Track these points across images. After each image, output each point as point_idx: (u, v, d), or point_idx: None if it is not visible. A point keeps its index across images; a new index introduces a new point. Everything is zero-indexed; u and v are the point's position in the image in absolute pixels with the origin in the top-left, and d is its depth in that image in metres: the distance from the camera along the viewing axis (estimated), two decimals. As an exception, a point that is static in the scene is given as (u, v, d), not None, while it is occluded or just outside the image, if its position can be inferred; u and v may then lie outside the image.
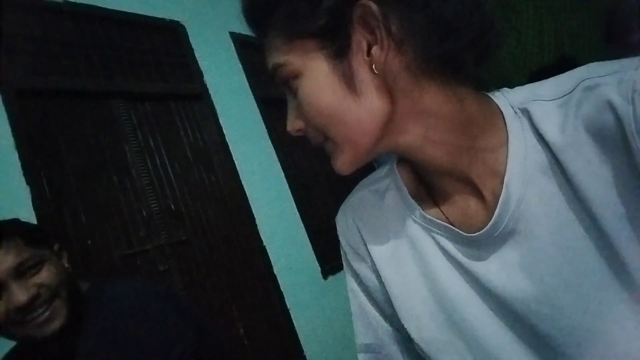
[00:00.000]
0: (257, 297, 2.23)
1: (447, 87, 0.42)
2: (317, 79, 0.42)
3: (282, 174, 2.67)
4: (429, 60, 0.41)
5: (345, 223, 0.58)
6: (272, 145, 2.67)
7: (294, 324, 2.28)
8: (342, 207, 0.59)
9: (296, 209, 2.64)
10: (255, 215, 2.36)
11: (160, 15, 2.30)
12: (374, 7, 0.39)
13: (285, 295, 2.31)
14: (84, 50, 1.94)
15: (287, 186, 2.66)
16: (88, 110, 1.89)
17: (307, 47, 0.42)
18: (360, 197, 0.57)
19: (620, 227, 0.37)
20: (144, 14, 2.23)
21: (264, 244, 2.34)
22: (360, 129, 0.42)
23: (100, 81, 1.95)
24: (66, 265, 0.88)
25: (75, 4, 1.93)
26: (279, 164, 2.67)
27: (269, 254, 2.34)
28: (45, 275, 0.79)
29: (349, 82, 0.41)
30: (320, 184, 2.94)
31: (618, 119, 0.36)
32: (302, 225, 2.63)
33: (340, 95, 0.41)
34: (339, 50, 0.41)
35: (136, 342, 0.77)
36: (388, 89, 0.42)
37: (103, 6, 2.04)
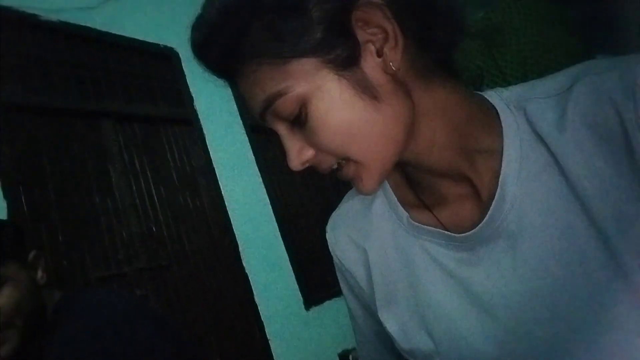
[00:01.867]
0: (237, 326, 2.15)
1: (447, 86, 0.41)
2: (329, 97, 0.37)
3: (268, 203, 2.65)
4: (429, 53, 0.40)
5: (336, 235, 0.56)
6: (259, 174, 2.67)
7: (274, 355, 2.19)
8: (331, 219, 0.58)
9: (281, 238, 2.61)
10: (238, 243, 2.32)
11: (154, 41, 2.34)
12: (380, 2, 0.36)
13: (265, 325, 2.23)
14: (75, 69, 1.95)
15: (272, 215, 2.63)
16: (75, 129, 1.88)
17: (307, 66, 0.37)
18: (348, 207, 0.55)
19: (620, 227, 0.36)
20: (139, 38, 2.27)
21: (246, 271, 2.29)
22: (387, 139, 0.39)
23: (89, 101, 1.96)
24: (40, 274, 0.83)
25: (69, 24, 1.95)
26: (265, 192, 2.66)
27: (251, 283, 2.28)
28: (1, 302, 0.73)
29: (366, 91, 0.37)
30: (306, 214, 2.93)
31: (618, 114, 0.35)
32: (286, 255, 2.58)
33: (359, 107, 0.37)
34: (346, 60, 0.37)
35: (111, 355, 0.73)
36: (404, 89, 0.39)
37: (98, 28, 2.07)
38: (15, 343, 0.74)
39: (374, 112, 0.38)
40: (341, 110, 0.38)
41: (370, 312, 0.55)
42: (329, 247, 0.57)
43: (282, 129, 0.41)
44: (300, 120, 0.39)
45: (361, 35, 0.37)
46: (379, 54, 0.38)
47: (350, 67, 0.37)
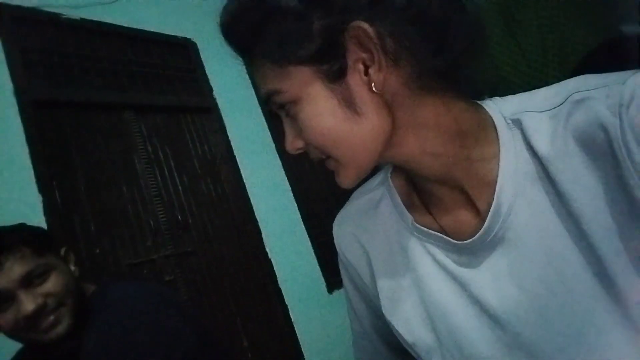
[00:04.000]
0: (262, 310, 2.23)
1: (443, 99, 0.43)
2: (316, 104, 0.41)
3: (289, 187, 2.69)
4: (426, 73, 0.41)
5: (342, 232, 0.59)
6: (278, 159, 2.70)
7: (298, 337, 2.26)
8: (338, 216, 0.61)
9: (302, 222, 2.65)
10: (261, 228, 2.37)
11: (173, 33, 2.38)
12: (368, 28, 0.39)
13: (289, 309, 2.30)
14: (98, 64, 2.01)
15: (293, 199, 2.67)
16: (100, 122, 1.94)
17: (302, 74, 0.41)
18: (355, 206, 0.58)
19: (607, 238, 0.38)
20: (158, 31, 2.30)
21: (269, 256, 2.35)
22: (363, 149, 0.43)
23: (112, 94, 2.01)
24: (73, 268, 0.90)
25: (90, 20, 2.00)
26: (285, 177, 2.70)
27: (274, 267, 2.34)
28: (51, 284, 0.81)
29: (349, 104, 0.41)
30: (327, 197, 2.95)
31: (606, 132, 0.37)
32: (307, 238, 2.63)
33: (341, 118, 0.41)
34: (336, 74, 0.41)
35: (136, 344, 0.78)
36: (388, 107, 0.42)
37: (117, 23, 2.11)
38: (68, 321, 0.82)
39: (354, 124, 0.42)
40: (324, 118, 0.42)
41: (371, 306, 0.58)
42: (335, 242, 0.60)
43: (283, 115, 0.46)
44: (292, 116, 0.44)
45: (353, 52, 0.40)
46: (366, 73, 0.41)
47: (339, 81, 0.41)
